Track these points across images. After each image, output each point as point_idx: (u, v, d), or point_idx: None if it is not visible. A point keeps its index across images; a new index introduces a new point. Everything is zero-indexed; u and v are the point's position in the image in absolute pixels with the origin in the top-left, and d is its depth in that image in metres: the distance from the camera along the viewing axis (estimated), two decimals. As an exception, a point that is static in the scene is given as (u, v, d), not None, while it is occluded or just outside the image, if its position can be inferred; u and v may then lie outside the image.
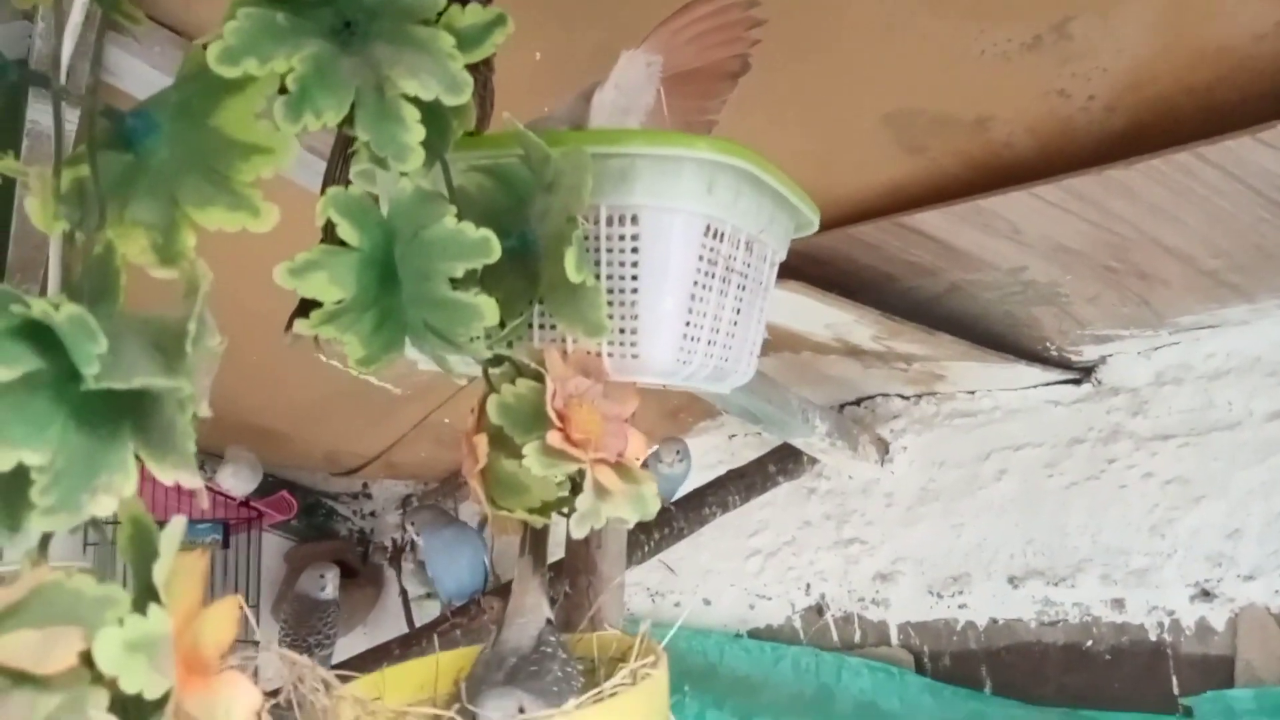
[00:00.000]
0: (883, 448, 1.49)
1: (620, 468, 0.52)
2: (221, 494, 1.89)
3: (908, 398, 1.49)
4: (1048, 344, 1.25)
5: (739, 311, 0.59)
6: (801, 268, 1.11)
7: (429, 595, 2.10)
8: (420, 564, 1.93)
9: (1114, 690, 1.18)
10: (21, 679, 0.30)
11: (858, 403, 1.55)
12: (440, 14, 0.47)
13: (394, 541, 2.23)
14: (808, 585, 1.54)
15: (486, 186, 0.54)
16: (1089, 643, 1.22)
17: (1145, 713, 1.13)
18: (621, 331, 0.53)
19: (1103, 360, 1.25)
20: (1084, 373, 1.27)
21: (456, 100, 0.46)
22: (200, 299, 0.37)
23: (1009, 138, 0.90)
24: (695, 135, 0.56)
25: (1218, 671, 1.11)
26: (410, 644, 1.46)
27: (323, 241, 0.67)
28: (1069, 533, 1.25)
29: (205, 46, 0.43)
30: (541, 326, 0.55)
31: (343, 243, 0.50)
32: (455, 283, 0.49)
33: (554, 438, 0.50)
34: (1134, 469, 1.20)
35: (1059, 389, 1.29)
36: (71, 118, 0.88)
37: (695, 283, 0.54)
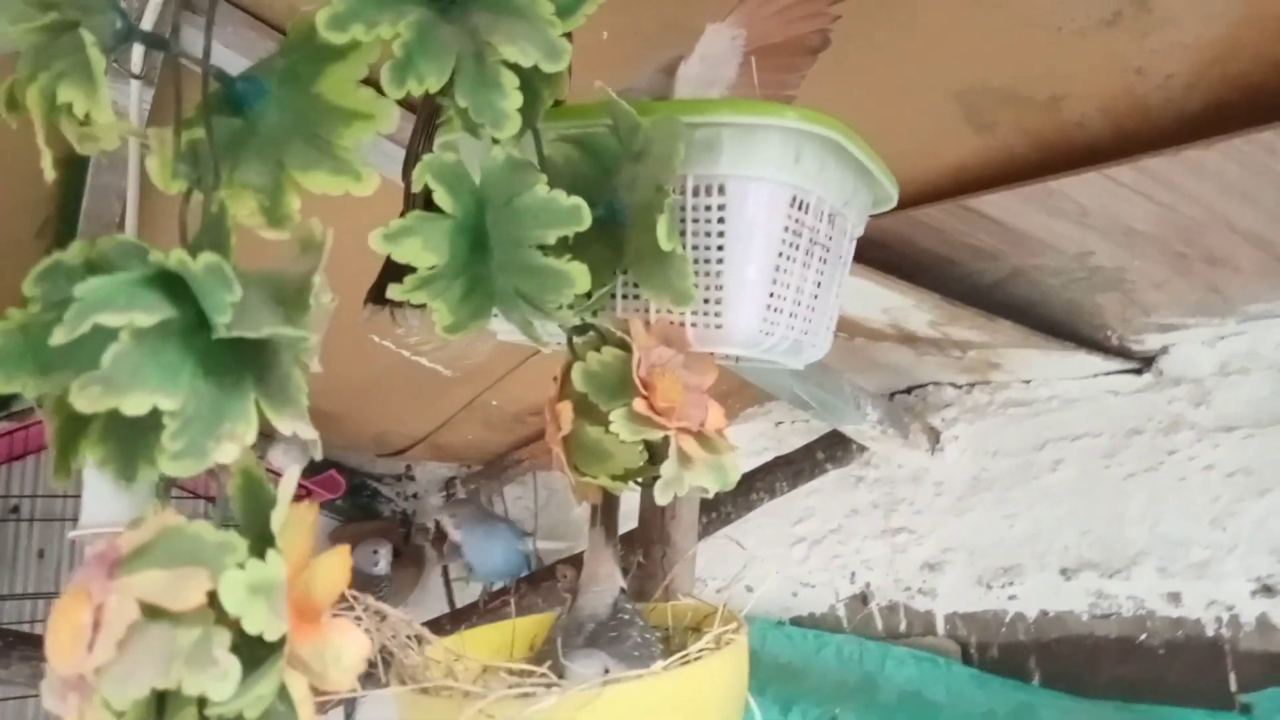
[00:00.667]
0: (934, 436, 1.48)
1: (702, 437, 0.52)
2: (273, 472, 1.91)
3: (960, 386, 1.48)
4: (1109, 332, 1.23)
5: (820, 285, 0.59)
6: (861, 250, 1.11)
7: (466, 578, 2.13)
8: (456, 548, 1.96)
9: (1169, 684, 1.16)
10: (157, 613, 0.31)
11: (909, 391, 1.54)
12: (537, -18, 0.48)
13: (436, 523, 2.25)
14: (853, 574, 1.53)
15: (574, 157, 0.54)
16: (1143, 636, 1.20)
17: (1202, 708, 1.11)
18: (706, 302, 0.53)
19: (1165, 350, 1.23)
20: (1145, 362, 1.25)
21: (555, 66, 0.46)
22: (322, 254, 0.37)
23: (1081, 117, 0.89)
24: (782, 104, 0.56)
25: (1279, 669, 1.09)
26: (460, 620, 1.48)
27: (405, 212, 0.69)
28: (1126, 525, 1.23)
29: (311, 15, 0.44)
30: (625, 297, 0.56)
31: (433, 210, 0.51)
32: (545, 250, 0.50)
33: (640, 404, 0.50)
34: (1195, 460, 1.19)
35: (1119, 379, 1.27)
36: (145, 96, 0.89)
37: (780, 254, 0.54)
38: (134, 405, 0.32)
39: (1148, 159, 0.84)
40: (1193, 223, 0.94)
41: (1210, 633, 1.14)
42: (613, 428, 0.49)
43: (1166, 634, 1.18)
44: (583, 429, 0.52)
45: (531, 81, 0.48)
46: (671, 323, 0.53)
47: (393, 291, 0.51)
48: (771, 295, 0.54)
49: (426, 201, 0.59)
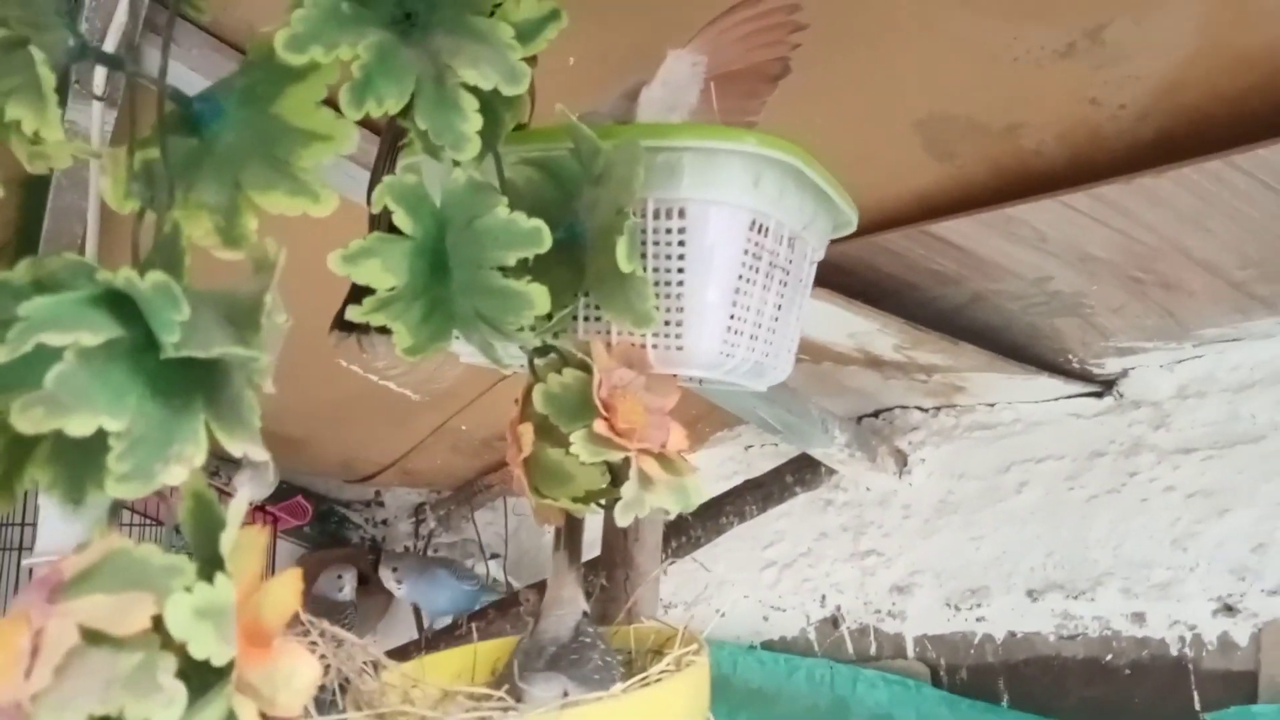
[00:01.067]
0: (901, 459, 1.49)
1: (663, 458, 0.52)
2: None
3: (926, 410, 1.49)
4: (1070, 356, 1.25)
5: (780, 308, 0.59)
6: (826, 276, 1.12)
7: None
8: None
9: (1134, 704, 1.17)
10: (99, 639, 0.30)
11: (876, 414, 1.55)
12: (496, 6, 0.48)
13: (406, 549, 2.22)
14: (823, 597, 1.53)
15: (535, 179, 0.55)
16: (1109, 656, 1.21)
17: (1168, 727, 1.13)
18: (666, 324, 0.54)
19: (1125, 373, 1.25)
20: (1106, 385, 1.27)
21: (515, 90, 0.47)
22: (274, 274, 0.37)
23: (1039, 145, 0.91)
24: (743, 130, 0.57)
25: (1241, 687, 1.10)
26: (430, 648, 1.46)
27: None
28: (1090, 546, 1.25)
29: (270, 36, 0.44)
30: (586, 319, 0.56)
31: (395, 232, 0.51)
32: (505, 272, 0.50)
33: (600, 426, 0.50)
34: (1156, 482, 1.20)
35: (1081, 402, 1.29)
36: (109, 118, 0.89)
37: (740, 276, 0.54)
38: (78, 426, 0.32)
39: (1103, 186, 0.86)
40: (1147, 249, 0.96)
41: (1174, 652, 1.16)
42: (573, 449, 0.49)
43: (1132, 654, 1.19)
44: (543, 451, 0.52)
45: (492, 104, 0.49)
46: (633, 345, 0.54)
47: (352, 313, 0.50)
48: (732, 318, 0.54)
49: (390, 225, 0.59)
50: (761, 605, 1.60)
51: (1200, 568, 1.15)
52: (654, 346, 0.54)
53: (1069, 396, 1.30)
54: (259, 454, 0.36)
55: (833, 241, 1.06)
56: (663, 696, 0.42)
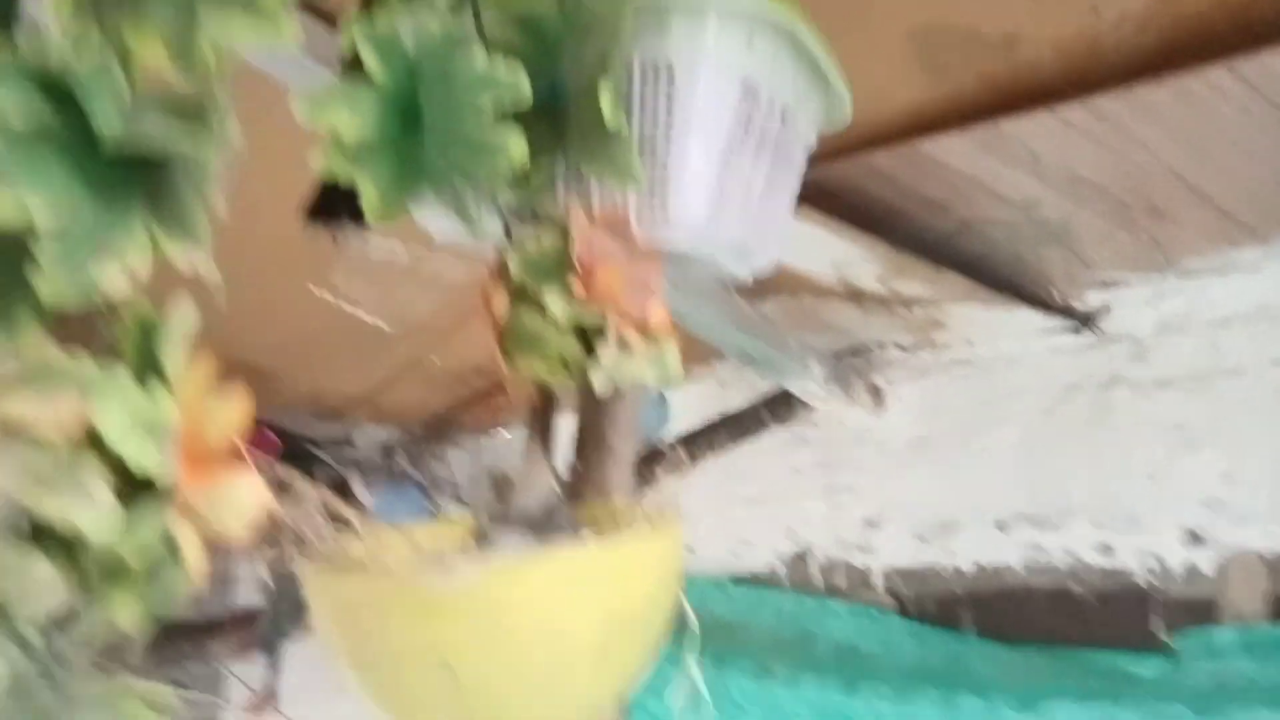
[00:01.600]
0: (878, 396, 1.48)
1: (643, 327, 0.50)
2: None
3: (906, 348, 1.48)
4: (1053, 289, 1.23)
5: (769, 182, 0.56)
6: (812, 198, 1.09)
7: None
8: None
9: (1099, 633, 1.18)
10: (17, 433, 0.28)
11: (854, 351, 1.54)
12: None
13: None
14: (795, 532, 1.53)
15: (515, 38, 0.51)
16: (1076, 588, 1.22)
17: (1130, 650, 1.13)
18: (651, 188, 0.51)
19: (1106, 308, 1.24)
20: (1086, 321, 1.27)
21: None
22: (223, 79, 0.34)
23: (1035, 58, 0.88)
24: None
25: (1203, 614, 1.11)
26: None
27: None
28: (1063, 480, 1.25)
29: None
30: (567, 190, 0.53)
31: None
32: (482, 120, 0.47)
33: (577, 285, 0.48)
34: (1133, 416, 1.20)
35: (1060, 338, 1.28)
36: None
37: (729, 142, 0.52)
38: (3, 206, 0.29)
39: (1100, 98, 0.83)
40: (1139, 170, 0.94)
41: (1141, 582, 1.16)
42: (547, 303, 0.46)
43: (1099, 585, 1.20)
44: (519, 315, 0.49)
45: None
46: (615, 209, 0.51)
47: (316, 162, 0.47)
48: (719, 185, 0.52)
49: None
50: (732, 540, 1.60)
51: (1170, 499, 1.15)
52: (638, 211, 0.51)
53: (1049, 332, 1.30)
54: (206, 266, 0.34)
55: (819, 159, 1.03)
56: (632, 554, 0.40)
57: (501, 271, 0.52)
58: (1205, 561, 1.10)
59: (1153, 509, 1.16)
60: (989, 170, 1.01)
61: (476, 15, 0.49)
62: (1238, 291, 1.12)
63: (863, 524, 1.45)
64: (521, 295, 0.50)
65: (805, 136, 0.61)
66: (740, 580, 1.57)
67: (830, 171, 1.06)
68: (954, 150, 0.98)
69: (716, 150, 0.51)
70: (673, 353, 0.51)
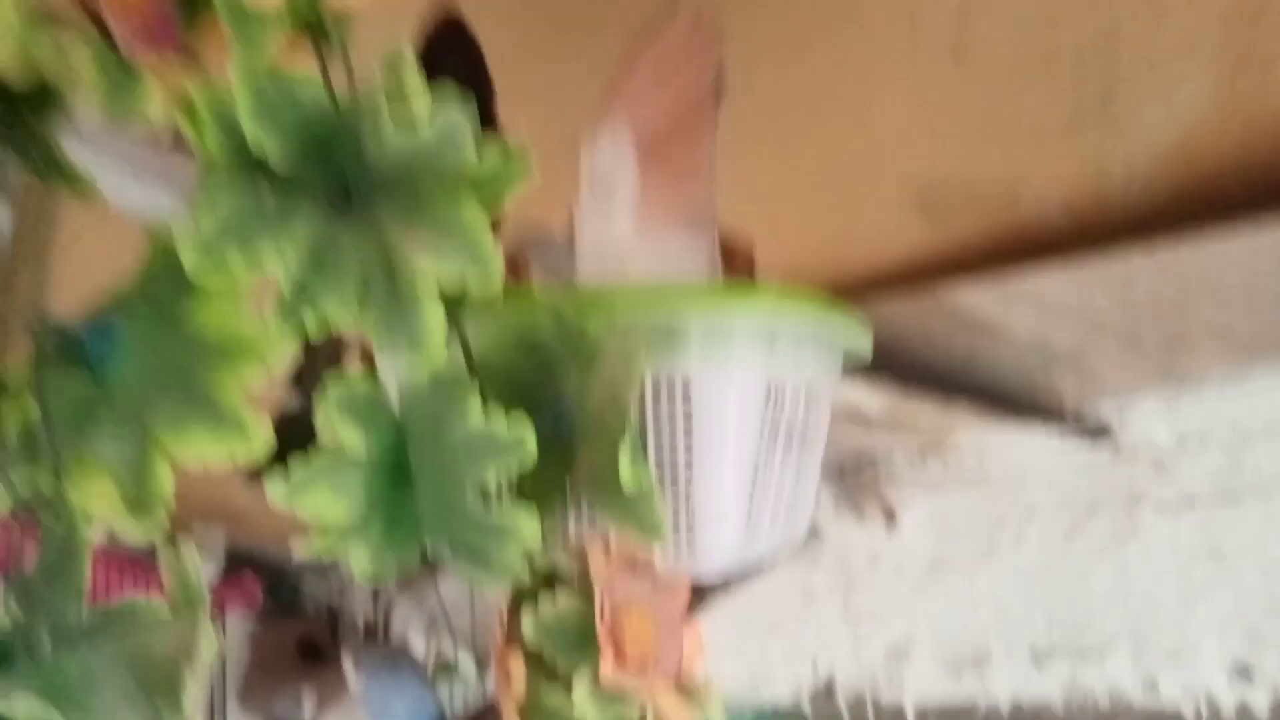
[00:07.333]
0: (889, 513, 1.42)
1: (682, 687, 0.44)
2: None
3: (914, 459, 1.43)
4: (1064, 407, 1.19)
5: (799, 472, 0.51)
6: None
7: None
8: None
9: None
10: None
11: (860, 463, 1.49)
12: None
13: (366, 619, 2.11)
14: (816, 662, 1.46)
15: (511, 357, 0.46)
16: (1121, 722, 1.16)
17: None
18: (675, 522, 0.45)
19: (1121, 421, 1.20)
20: (1101, 433, 1.22)
21: (484, 275, 0.38)
22: (201, 616, 0.28)
23: (1040, 210, 0.84)
24: (753, 291, 0.48)
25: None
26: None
27: (295, 380, 0.59)
28: (1094, 605, 1.19)
29: (169, 236, 0.35)
30: (577, 511, 0.47)
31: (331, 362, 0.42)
32: (484, 492, 0.41)
33: (608, 664, 0.42)
34: (1159, 536, 1.15)
35: (1077, 452, 1.24)
36: None
37: (757, 456, 0.46)
38: None
39: (1109, 254, 0.79)
40: (1151, 309, 0.90)
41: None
42: (576, 700, 0.40)
43: (1146, 723, 1.14)
44: (539, 693, 0.43)
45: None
46: (635, 548, 0.45)
47: (297, 548, 0.41)
48: (750, 505, 0.46)
49: (329, 357, 0.50)
50: (751, 670, 1.53)
51: (1210, 628, 1.10)
52: (661, 549, 0.45)
53: (1063, 445, 1.25)
54: None
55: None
56: None
57: (513, 624, 0.46)
58: (1258, 699, 1.05)
59: (1194, 640, 1.10)
60: (994, 311, 0.97)
61: (465, 347, 0.44)
62: (1256, 406, 1.08)
63: (887, 653, 1.39)
64: (540, 665, 0.44)
65: (829, 394, 0.55)
66: (762, 714, 1.50)
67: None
68: (957, 297, 0.94)
69: (745, 469, 0.46)
70: (714, 699, 0.45)
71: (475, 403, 0.41)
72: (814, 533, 1.47)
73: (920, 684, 1.33)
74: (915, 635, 1.35)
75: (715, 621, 1.56)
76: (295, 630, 2.06)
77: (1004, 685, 1.25)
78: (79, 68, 0.30)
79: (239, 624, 2.09)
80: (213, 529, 1.76)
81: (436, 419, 0.41)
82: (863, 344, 0.55)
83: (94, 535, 0.33)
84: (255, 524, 1.97)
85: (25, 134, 0.34)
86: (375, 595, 2.02)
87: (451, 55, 0.46)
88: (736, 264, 0.52)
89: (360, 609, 2.16)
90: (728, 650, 1.55)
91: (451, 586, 2.07)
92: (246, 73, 0.33)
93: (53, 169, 0.35)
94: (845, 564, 1.46)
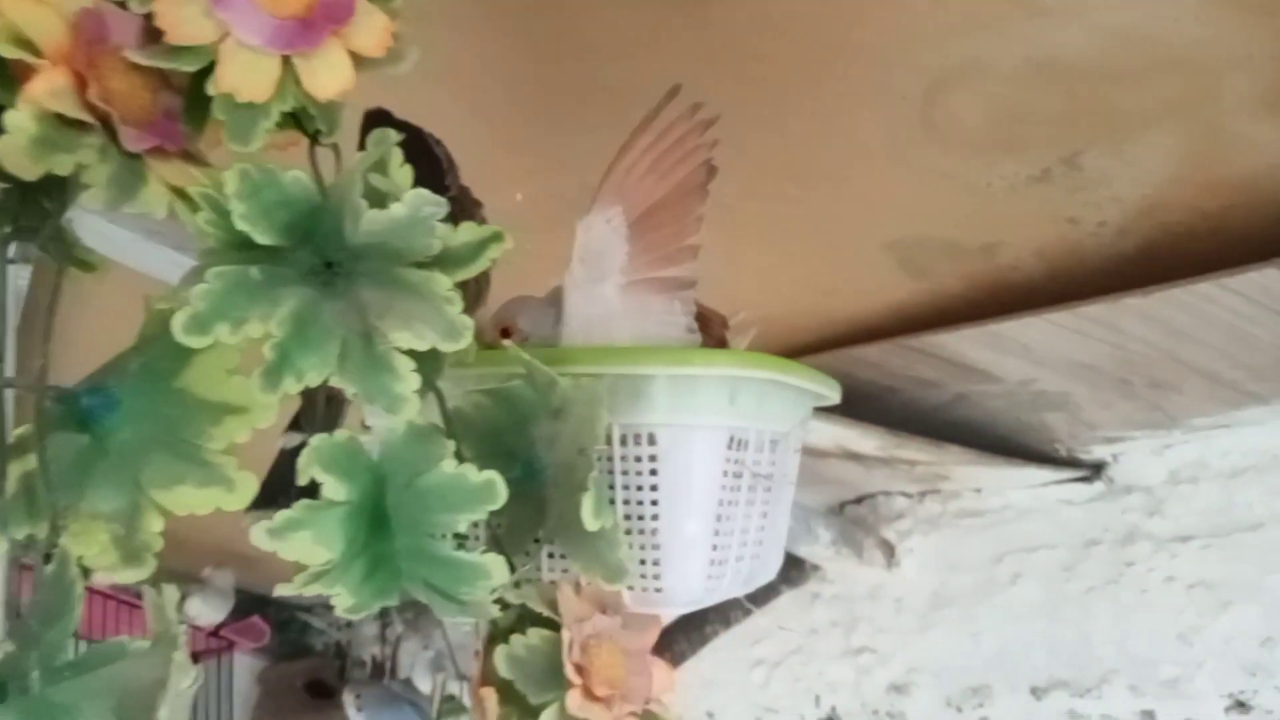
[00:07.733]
0: (889, 551, 1.44)
1: (648, 716, 0.47)
2: (190, 625, 1.78)
3: (911, 495, 1.44)
4: (1056, 445, 1.21)
5: (766, 515, 0.54)
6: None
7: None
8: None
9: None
10: None
11: (859, 500, 1.50)
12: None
13: (373, 658, 2.13)
14: (817, 697, 1.47)
15: (486, 406, 0.49)
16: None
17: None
18: (643, 563, 0.48)
19: (1114, 459, 1.21)
20: (1094, 470, 1.24)
21: (455, 347, 0.41)
22: (176, 653, 0.31)
23: (1016, 261, 0.87)
24: (715, 350, 0.51)
25: (1260, 789, 1.05)
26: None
27: (292, 426, 0.62)
28: (1092, 641, 1.20)
29: (166, 310, 0.38)
30: (551, 555, 0.50)
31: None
32: (456, 536, 0.44)
33: (575, 698, 0.44)
34: (1155, 572, 1.16)
35: (1070, 488, 1.25)
36: None
37: (720, 501, 0.49)
38: None
39: (1087, 305, 0.82)
40: (1135, 355, 0.92)
41: (1191, 758, 1.11)
42: (544, 724, 0.43)
43: (1145, 759, 1.14)
44: (512, 722, 0.45)
45: (434, 351, 0.43)
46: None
47: (281, 589, 0.44)
48: (715, 548, 0.49)
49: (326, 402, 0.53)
50: (754, 707, 1.53)
51: (1209, 663, 1.11)
52: (629, 587, 0.48)
53: (1058, 482, 1.26)
54: None
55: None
56: None
57: (488, 661, 0.48)
58: (1255, 734, 1.05)
59: (1190, 674, 1.11)
60: (980, 357, 0.99)
61: (441, 402, 0.47)
62: (1246, 443, 1.10)
63: (888, 688, 1.39)
64: (513, 698, 0.46)
65: (798, 442, 0.58)
66: (767, 751, 1.51)
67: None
68: (942, 344, 0.97)
69: (708, 513, 0.48)
70: (680, 730, 0.47)
71: (449, 451, 0.44)
72: (815, 569, 1.49)
73: (921, 718, 1.34)
74: (916, 670, 1.36)
75: (719, 657, 1.57)
76: (304, 670, 2.09)
77: (1005, 718, 1.25)
78: (87, 164, 0.33)
79: (248, 664, 2.12)
80: (223, 571, 1.79)
81: (412, 468, 0.44)
82: (829, 393, 0.58)
83: (87, 582, 0.36)
84: (265, 566, 2.00)
85: (38, 217, 0.37)
86: (383, 635, 2.04)
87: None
88: (712, 331, 0.55)
89: (368, 648, 2.18)
90: (732, 685, 1.56)
91: (457, 627, 2.09)
92: (237, 163, 0.36)
93: (63, 249, 0.39)
94: (847, 600, 1.47)
